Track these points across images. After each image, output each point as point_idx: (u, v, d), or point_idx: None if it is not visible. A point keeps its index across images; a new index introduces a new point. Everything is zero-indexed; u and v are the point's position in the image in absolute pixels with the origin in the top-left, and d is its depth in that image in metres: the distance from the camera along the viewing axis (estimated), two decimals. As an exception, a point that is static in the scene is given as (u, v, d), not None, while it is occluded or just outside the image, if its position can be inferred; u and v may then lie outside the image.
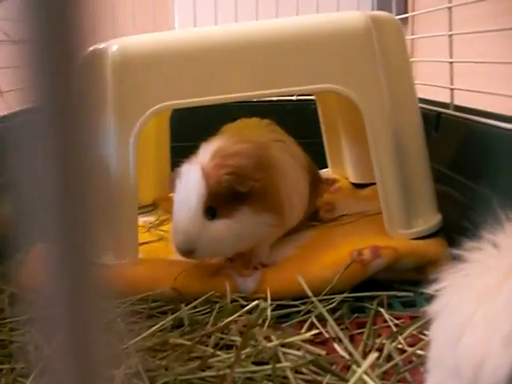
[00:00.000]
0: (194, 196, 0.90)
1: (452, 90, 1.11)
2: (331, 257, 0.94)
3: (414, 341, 0.75)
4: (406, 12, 1.65)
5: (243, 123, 1.18)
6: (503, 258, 0.50)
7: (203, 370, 0.68)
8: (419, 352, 0.72)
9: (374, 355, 0.66)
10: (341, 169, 1.48)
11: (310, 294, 0.87)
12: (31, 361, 0.72)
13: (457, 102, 1.10)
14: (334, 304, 0.87)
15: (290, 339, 0.72)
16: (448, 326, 0.49)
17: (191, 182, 0.91)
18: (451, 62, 1.12)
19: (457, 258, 0.52)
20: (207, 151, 0.95)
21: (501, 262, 0.49)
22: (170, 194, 1.46)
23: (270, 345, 0.70)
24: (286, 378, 0.67)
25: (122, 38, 1.02)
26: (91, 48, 1.02)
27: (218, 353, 0.71)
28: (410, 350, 0.73)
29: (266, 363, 0.68)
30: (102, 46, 1.01)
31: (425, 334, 0.76)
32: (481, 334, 0.45)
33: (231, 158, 0.94)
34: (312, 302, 0.87)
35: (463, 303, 0.48)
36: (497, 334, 0.44)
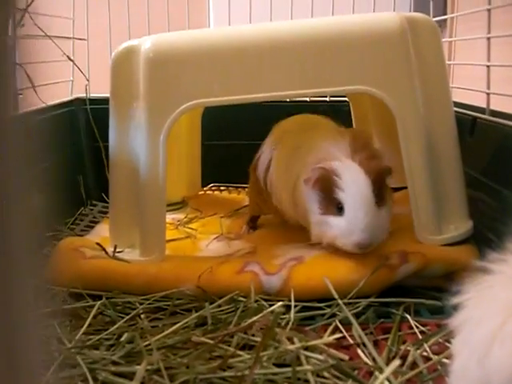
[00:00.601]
0: (369, 192, 0.91)
1: (488, 94, 1.09)
2: (359, 259, 0.93)
3: (440, 349, 0.74)
4: (444, 14, 1.63)
5: (299, 118, 1.17)
6: None
7: (224, 370, 0.67)
8: (444, 360, 0.70)
9: (396, 362, 0.65)
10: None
11: (336, 296, 0.86)
12: (53, 354, 0.73)
13: (493, 107, 1.08)
14: (359, 308, 0.86)
15: (313, 342, 0.71)
16: (473, 339, 0.48)
17: (360, 179, 0.92)
18: (488, 66, 1.10)
19: (481, 270, 0.51)
20: (340, 147, 0.96)
21: None
22: (200, 192, 1.48)
23: (291, 347, 0.70)
24: (307, 381, 0.66)
25: (156, 35, 1.03)
26: (124, 45, 1.03)
27: (240, 353, 0.71)
28: (435, 358, 0.72)
29: (288, 365, 0.68)
30: (135, 42, 1.02)
31: (451, 343, 0.74)
32: (510, 348, 0.44)
33: (373, 151, 0.98)
34: (337, 305, 0.86)
35: (488, 316, 0.47)
36: None
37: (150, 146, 0.98)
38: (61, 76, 1.50)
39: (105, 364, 0.70)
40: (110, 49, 1.43)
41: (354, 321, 0.80)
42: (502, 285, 0.49)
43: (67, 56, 1.40)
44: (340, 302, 0.85)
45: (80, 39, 1.52)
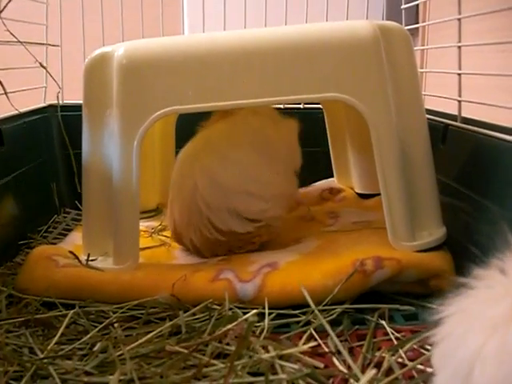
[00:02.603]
0: None
1: (460, 101, 1.10)
2: (334, 265, 0.93)
3: (415, 355, 0.74)
4: (416, 22, 1.65)
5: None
6: (511, 286, 0.48)
7: (198, 379, 0.67)
8: (420, 367, 0.71)
9: (372, 371, 0.65)
10: (346, 178, 1.47)
11: (312, 304, 0.87)
12: (25, 364, 0.72)
13: (465, 115, 1.09)
14: (334, 315, 0.86)
15: (288, 351, 0.71)
16: (455, 358, 0.47)
17: None
18: (459, 74, 1.12)
19: (463, 285, 0.50)
20: None
21: (508, 290, 0.47)
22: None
23: (266, 356, 0.70)
24: (282, 389, 0.66)
25: (130, 41, 1.02)
26: (98, 51, 1.02)
27: (214, 362, 0.70)
28: (410, 364, 0.72)
29: (263, 374, 0.67)
30: (109, 49, 1.02)
31: (426, 349, 0.75)
32: (492, 369, 0.44)
33: None
34: (312, 312, 0.86)
35: (470, 334, 0.47)
36: (509, 369, 0.43)
37: (123, 154, 0.98)
38: (34, 83, 1.48)
39: (77, 374, 0.69)
40: (84, 55, 1.42)
41: (329, 329, 0.80)
42: (484, 301, 0.48)
43: (39, 63, 1.39)
44: (315, 310, 0.85)
45: (53, 45, 1.51)
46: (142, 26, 1.55)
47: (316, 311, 0.85)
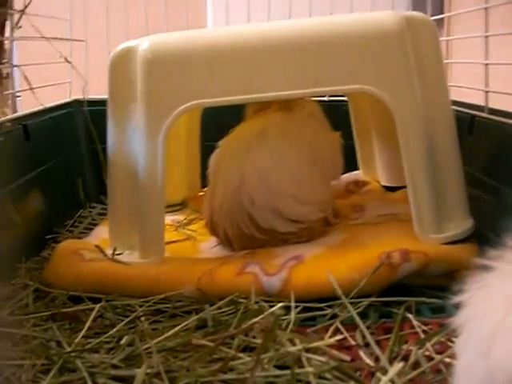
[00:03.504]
0: None
1: (486, 92, 1.09)
2: (360, 258, 0.93)
3: (443, 348, 0.74)
4: (441, 13, 1.63)
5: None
6: None
7: (224, 373, 0.67)
8: (447, 360, 0.70)
9: (400, 364, 0.65)
10: (372, 171, 1.47)
11: (340, 294, 0.86)
12: (52, 357, 0.72)
13: (492, 106, 1.08)
14: (361, 308, 0.85)
15: (314, 344, 0.71)
16: (476, 337, 0.48)
17: None
18: (486, 64, 1.10)
19: (481, 267, 0.51)
20: None
21: None
22: (200, 193, 1.48)
23: (292, 349, 0.70)
24: (309, 383, 0.65)
25: (154, 35, 1.02)
26: (122, 46, 1.03)
27: (241, 355, 0.70)
28: (437, 357, 0.71)
29: (289, 367, 0.67)
30: (133, 43, 1.02)
31: (453, 342, 0.74)
32: None
33: None
34: (339, 305, 0.86)
35: (489, 312, 0.47)
36: None
37: (149, 148, 0.98)
38: (59, 78, 1.50)
39: (105, 367, 0.69)
40: (109, 50, 1.43)
41: (359, 321, 0.80)
42: (500, 281, 0.49)
43: (65, 58, 1.40)
44: (345, 301, 0.85)
45: (78, 40, 1.51)
46: (165, 20, 1.55)
47: (346, 303, 0.85)
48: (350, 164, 1.44)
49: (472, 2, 1.17)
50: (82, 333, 0.79)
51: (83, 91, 1.51)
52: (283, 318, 0.81)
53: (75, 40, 1.50)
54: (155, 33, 1.05)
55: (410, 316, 0.83)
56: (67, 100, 1.51)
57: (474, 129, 1.11)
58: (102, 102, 1.14)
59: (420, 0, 1.50)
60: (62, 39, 1.41)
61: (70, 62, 1.43)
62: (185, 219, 1.30)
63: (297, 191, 1.07)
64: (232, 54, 0.96)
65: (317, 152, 1.13)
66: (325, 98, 1.51)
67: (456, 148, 1.02)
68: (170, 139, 1.00)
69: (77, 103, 1.51)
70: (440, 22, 1.58)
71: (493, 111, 1.07)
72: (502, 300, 0.47)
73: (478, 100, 1.12)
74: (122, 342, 0.76)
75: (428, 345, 0.74)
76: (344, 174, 1.41)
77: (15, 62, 1.28)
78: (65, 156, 1.39)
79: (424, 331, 0.79)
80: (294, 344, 0.72)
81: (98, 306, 0.87)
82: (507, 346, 0.44)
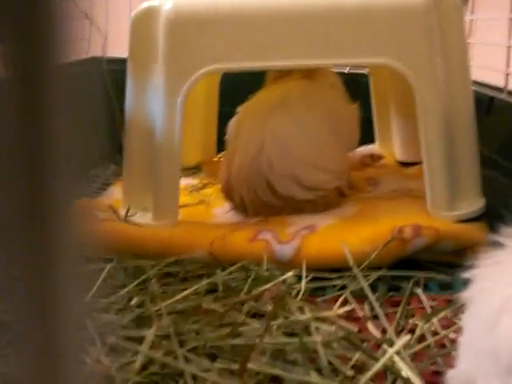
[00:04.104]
0: None
1: (507, 74, 1.09)
2: (372, 231, 0.93)
3: (448, 324, 0.74)
4: None
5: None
6: None
7: (233, 338, 0.68)
8: (452, 335, 0.71)
9: (407, 337, 0.66)
10: (388, 145, 1.46)
11: (352, 265, 0.86)
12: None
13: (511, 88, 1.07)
14: (370, 280, 0.86)
15: (323, 314, 0.72)
16: (483, 311, 0.48)
17: None
18: (508, 47, 1.10)
19: (493, 244, 0.51)
20: None
21: None
22: (215, 158, 1.48)
23: (301, 318, 0.70)
24: (316, 351, 0.66)
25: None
26: (145, 5, 1.02)
27: (250, 321, 0.71)
28: (442, 332, 0.72)
29: (297, 335, 0.68)
30: (156, 3, 1.01)
31: (459, 318, 0.75)
32: None
33: None
34: (349, 276, 0.86)
35: (498, 288, 0.48)
36: None
37: (167, 109, 0.98)
38: (78, 34, 1.49)
39: (114, 328, 0.70)
40: (130, 8, 1.41)
41: (369, 293, 0.80)
42: (511, 259, 0.49)
43: (85, 13, 1.39)
44: (357, 272, 0.85)
45: (99, -3, 1.50)
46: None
47: (357, 274, 0.85)
48: (366, 137, 1.44)
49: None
50: (92, 292, 0.79)
51: (102, 49, 1.50)
52: (293, 286, 0.82)
53: (97, -3, 1.49)
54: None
55: (418, 291, 0.84)
56: (87, 57, 1.49)
57: (492, 110, 1.11)
58: (121, 61, 1.13)
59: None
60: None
61: (89, 19, 1.43)
62: (199, 183, 1.30)
63: (316, 159, 1.06)
64: (256, 20, 0.96)
65: (336, 122, 1.12)
66: (345, 70, 1.50)
67: (473, 128, 1.02)
68: (188, 102, 1.00)
69: (95, 61, 1.50)
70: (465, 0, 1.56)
71: (512, 93, 1.07)
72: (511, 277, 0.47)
73: (499, 81, 1.12)
74: (132, 303, 0.76)
75: (434, 320, 0.75)
76: (359, 146, 1.40)
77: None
78: (81, 113, 1.39)
79: (431, 306, 0.80)
80: (303, 313, 0.73)
81: (109, 266, 0.87)
82: None
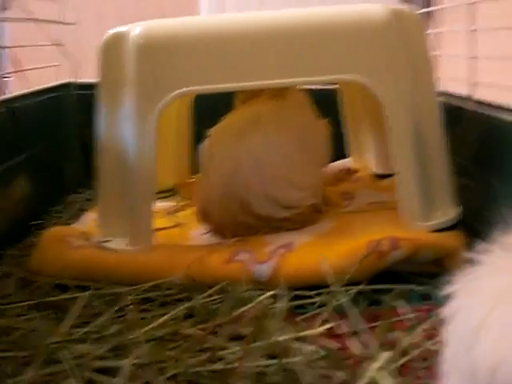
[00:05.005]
0: None
1: (472, 84, 1.11)
2: (349, 246, 0.93)
3: (430, 335, 0.74)
4: (430, 6, 1.67)
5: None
6: None
7: (213, 362, 0.67)
8: (434, 347, 0.70)
9: (388, 353, 0.65)
10: (362, 159, 1.47)
11: (332, 281, 0.86)
12: (36, 348, 0.71)
13: (478, 97, 1.09)
14: (350, 295, 0.85)
15: (303, 333, 0.71)
16: (462, 329, 0.48)
17: None
18: (473, 57, 1.13)
19: (470, 261, 0.51)
20: None
21: (511, 263, 0.49)
22: (190, 180, 1.47)
23: (281, 338, 0.70)
24: (298, 372, 0.66)
25: (146, 21, 1.02)
26: (114, 31, 1.02)
27: (229, 345, 0.70)
28: (425, 344, 0.72)
29: (279, 357, 0.67)
30: (125, 28, 1.01)
31: (440, 329, 0.74)
32: (496, 337, 0.45)
33: None
34: (328, 293, 0.86)
35: (476, 306, 0.48)
36: (511, 337, 0.44)
37: (139, 133, 0.97)
38: (49, 61, 1.48)
39: (90, 358, 0.68)
40: (100, 34, 1.41)
41: (350, 309, 0.80)
42: (488, 275, 0.49)
43: (55, 40, 1.38)
44: (337, 288, 0.85)
45: (69, 23, 1.50)
46: (160, 7, 1.53)
47: (337, 290, 0.85)
48: (339, 152, 1.44)
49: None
50: (68, 322, 0.78)
51: (74, 75, 1.49)
52: (272, 306, 0.81)
53: (66, 23, 1.48)
54: (148, 19, 1.04)
55: (399, 303, 0.84)
56: (56, 83, 1.49)
57: (460, 119, 1.12)
58: (93, 86, 1.13)
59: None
60: (52, 22, 1.39)
61: (60, 45, 1.42)
62: (175, 206, 1.29)
63: (291, 177, 1.07)
64: (224, 42, 0.96)
65: (308, 139, 1.13)
66: (313, 87, 1.50)
67: (442, 137, 1.03)
68: (160, 125, 0.99)
69: (67, 87, 1.49)
70: (429, 14, 1.62)
71: (478, 102, 1.09)
72: (489, 295, 0.47)
73: (466, 91, 1.14)
74: (110, 331, 0.75)
75: (416, 332, 0.74)
76: (333, 161, 1.41)
77: (2, 44, 1.27)
78: (53, 140, 1.38)
79: (412, 318, 0.80)
80: (283, 333, 0.72)
81: (86, 294, 0.86)
82: (490, 342, 0.45)
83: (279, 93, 1.14)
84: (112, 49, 1.01)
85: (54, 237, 1.00)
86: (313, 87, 1.48)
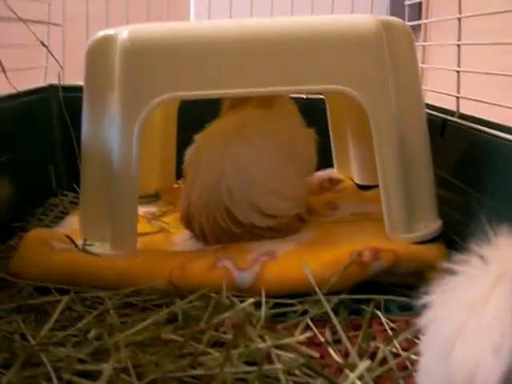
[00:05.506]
0: None
1: (458, 98, 1.12)
2: (331, 256, 0.94)
3: (409, 345, 0.75)
4: (419, 19, 1.68)
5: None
6: (489, 269, 0.50)
7: (194, 368, 0.67)
8: (413, 357, 0.71)
9: (367, 362, 0.66)
10: (346, 169, 1.48)
11: (314, 290, 0.87)
12: (15, 351, 0.71)
13: (464, 111, 1.11)
14: (331, 305, 0.86)
15: (284, 341, 0.71)
16: (439, 338, 0.49)
17: None
18: (458, 71, 1.14)
19: (447, 271, 0.52)
20: None
21: (487, 273, 0.49)
22: (174, 185, 1.47)
23: (262, 345, 0.70)
24: (278, 379, 0.66)
25: (133, 25, 1.01)
26: (101, 33, 1.01)
27: (210, 351, 0.70)
28: (404, 354, 0.72)
29: (259, 363, 0.68)
30: (112, 31, 1.01)
31: (419, 339, 0.75)
32: (471, 345, 0.46)
33: None
34: (310, 301, 0.86)
35: (452, 315, 0.48)
36: (486, 344, 0.45)
37: (124, 138, 0.97)
38: (35, 62, 1.47)
39: (71, 362, 0.68)
40: (87, 37, 1.41)
41: (333, 317, 0.80)
42: (465, 284, 0.50)
43: (41, 41, 1.37)
44: (320, 296, 0.86)
45: (55, 24, 1.49)
46: (147, 9, 1.53)
47: (321, 297, 0.85)
48: (325, 161, 1.45)
49: (449, 9, 1.20)
50: (48, 325, 0.77)
51: (59, 77, 1.48)
52: (254, 313, 0.81)
53: (52, 24, 1.48)
54: (136, 23, 1.04)
55: (379, 313, 0.84)
56: (42, 85, 1.48)
57: (446, 132, 1.13)
58: (78, 89, 1.12)
59: (398, 5, 1.53)
60: (38, 22, 1.38)
61: (45, 46, 1.41)
62: (158, 211, 1.29)
63: (275, 186, 1.07)
64: (212, 48, 0.96)
65: (293, 148, 1.13)
66: (303, 96, 1.51)
67: (428, 150, 1.04)
68: (145, 130, 0.99)
69: (52, 89, 1.48)
70: (417, 27, 1.63)
71: (463, 116, 1.10)
72: (465, 304, 0.48)
73: (451, 105, 1.15)
74: (90, 335, 0.74)
75: (395, 342, 0.75)
76: (318, 171, 1.42)
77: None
78: (37, 142, 1.37)
79: (392, 328, 0.81)
80: (264, 340, 0.72)
81: (66, 297, 0.85)
82: (466, 350, 0.46)
83: (266, 101, 1.15)
84: (98, 52, 1.01)
85: (36, 239, 0.99)
86: (303, 96, 1.50)
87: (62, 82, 1.48)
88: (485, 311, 0.46)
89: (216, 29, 0.98)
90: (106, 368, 0.63)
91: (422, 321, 0.52)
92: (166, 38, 0.97)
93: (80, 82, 1.06)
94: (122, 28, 0.99)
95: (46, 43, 1.41)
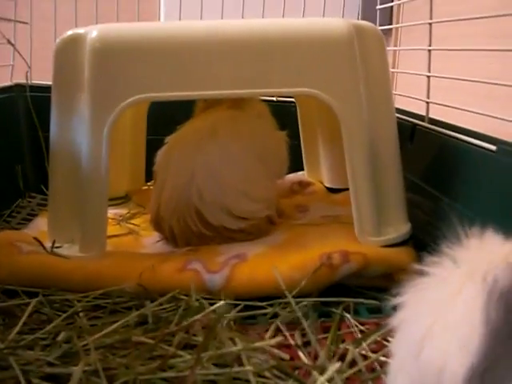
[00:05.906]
0: None
1: (427, 103, 1.14)
2: (301, 258, 0.94)
3: (378, 347, 0.76)
4: (390, 24, 1.69)
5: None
6: (459, 270, 0.51)
7: (164, 370, 0.67)
8: (382, 359, 0.72)
9: (337, 364, 0.66)
10: (316, 172, 1.48)
11: (285, 292, 0.87)
12: None
13: (433, 115, 1.12)
14: (300, 307, 0.86)
15: (255, 345, 0.72)
16: (409, 337, 0.50)
17: None
18: (428, 76, 1.15)
19: (418, 272, 0.53)
20: None
21: (457, 274, 0.50)
22: (144, 187, 1.46)
23: (233, 348, 0.70)
24: (248, 381, 0.66)
25: (103, 24, 1.00)
26: (70, 32, 1.00)
27: (181, 353, 0.70)
28: (373, 356, 0.73)
29: (229, 366, 0.68)
30: (81, 31, 0.99)
31: (388, 341, 0.76)
32: (440, 342, 0.47)
33: None
34: (279, 304, 0.87)
35: (421, 316, 0.49)
36: (455, 341, 0.46)
37: (93, 139, 0.96)
38: (1, 60, 1.45)
39: (40, 365, 0.67)
40: (55, 35, 1.39)
41: (303, 320, 0.81)
42: (434, 286, 0.51)
43: (7, 39, 1.35)
44: (290, 299, 0.86)
45: (22, 22, 1.47)
46: (116, 9, 1.52)
47: (290, 300, 0.86)
48: (296, 164, 1.46)
49: (420, 14, 1.21)
50: (17, 329, 0.76)
51: (26, 76, 1.46)
52: (224, 316, 0.81)
53: (19, 22, 1.45)
54: (104, 22, 1.03)
55: (348, 316, 0.85)
56: (8, 84, 1.46)
57: (415, 137, 1.15)
58: (46, 89, 1.11)
59: (370, 10, 1.55)
60: (4, 19, 1.36)
61: (12, 44, 1.39)
62: (128, 213, 1.28)
63: (246, 188, 1.07)
64: (183, 50, 0.96)
65: (265, 150, 1.14)
66: (274, 98, 1.52)
67: (397, 154, 1.05)
68: (115, 131, 0.98)
69: (19, 88, 1.46)
70: (388, 32, 1.64)
71: (433, 121, 1.11)
72: (433, 304, 0.49)
73: (421, 109, 1.16)
74: (59, 338, 0.74)
75: (364, 344, 0.76)
76: (289, 173, 1.42)
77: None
78: (3, 142, 1.35)
79: (361, 331, 0.81)
80: (234, 343, 0.72)
81: (35, 300, 0.84)
82: (434, 348, 0.47)
83: (238, 103, 1.15)
84: (67, 51, 1.00)
85: (4, 241, 0.98)
86: (274, 99, 1.50)
87: (29, 82, 1.46)
88: (454, 310, 0.47)
89: (187, 30, 0.98)
90: (76, 371, 0.63)
91: (393, 322, 0.53)
92: (137, 38, 0.96)
93: (48, 82, 1.05)
94: (91, 27, 0.98)
95: (12, 41, 1.39)
